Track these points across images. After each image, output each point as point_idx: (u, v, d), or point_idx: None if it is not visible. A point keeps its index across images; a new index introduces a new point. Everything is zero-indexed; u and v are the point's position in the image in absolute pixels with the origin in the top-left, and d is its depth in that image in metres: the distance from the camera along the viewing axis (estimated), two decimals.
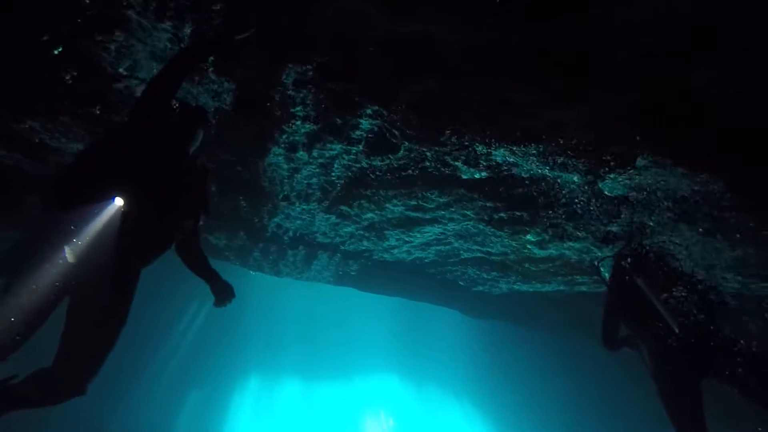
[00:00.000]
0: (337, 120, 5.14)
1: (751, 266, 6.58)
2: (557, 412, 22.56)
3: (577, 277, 9.30)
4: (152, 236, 3.37)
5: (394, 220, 8.19)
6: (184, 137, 3.64)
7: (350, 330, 31.29)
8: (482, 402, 29.63)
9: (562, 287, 10.21)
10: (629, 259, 4.66)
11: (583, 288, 9.92)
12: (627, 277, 4.58)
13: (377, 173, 6.50)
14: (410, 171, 6.25)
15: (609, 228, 6.59)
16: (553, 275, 9.49)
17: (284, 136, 5.74)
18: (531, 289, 10.86)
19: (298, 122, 5.32)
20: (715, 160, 4.38)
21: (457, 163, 5.80)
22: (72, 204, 2.98)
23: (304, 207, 8.12)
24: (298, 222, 9.01)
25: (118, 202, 3.03)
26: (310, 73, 4.29)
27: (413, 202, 7.28)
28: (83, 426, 17.22)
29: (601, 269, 5.49)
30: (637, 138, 4.35)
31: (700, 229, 5.66)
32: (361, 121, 5.10)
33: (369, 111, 4.90)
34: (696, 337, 3.85)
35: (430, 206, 7.29)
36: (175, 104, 3.69)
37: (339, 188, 7.15)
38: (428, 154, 5.65)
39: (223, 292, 3.92)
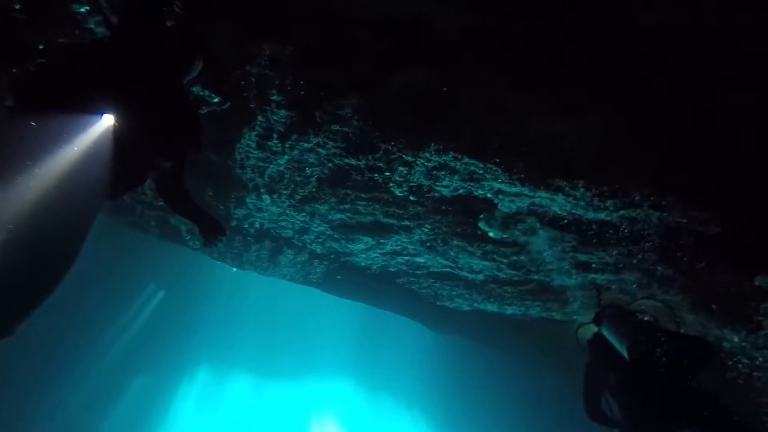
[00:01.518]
0: (316, 110, 4.79)
1: None
2: None
3: (547, 303, 9.15)
4: (128, 167, 2.87)
5: (366, 224, 7.90)
6: (183, 64, 3.19)
7: (309, 330, 30.79)
8: (434, 416, 29.46)
9: (529, 311, 10.07)
10: (606, 318, 4.37)
11: (556, 316, 9.78)
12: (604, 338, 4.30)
13: (353, 174, 6.20)
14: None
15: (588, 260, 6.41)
16: (518, 298, 9.33)
17: (258, 122, 5.37)
18: (495, 310, 10.70)
19: (274, 108, 4.96)
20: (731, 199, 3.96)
21: (440, 174, 5.54)
22: (44, 103, 2.48)
23: (274, 200, 7.75)
24: (266, 215, 8.62)
25: (108, 118, 2.56)
26: (289, 53, 3.94)
27: (389, 209, 7.00)
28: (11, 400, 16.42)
29: (579, 334, 5.16)
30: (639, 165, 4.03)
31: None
32: (342, 113, 4.75)
33: (351, 102, 4.57)
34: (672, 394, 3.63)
35: (405, 215, 7.02)
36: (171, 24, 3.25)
37: (311, 184, 6.81)
38: (408, 159, 5.37)
39: (211, 231, 3.48)
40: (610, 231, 5.30)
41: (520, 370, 17.99)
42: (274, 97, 4.79)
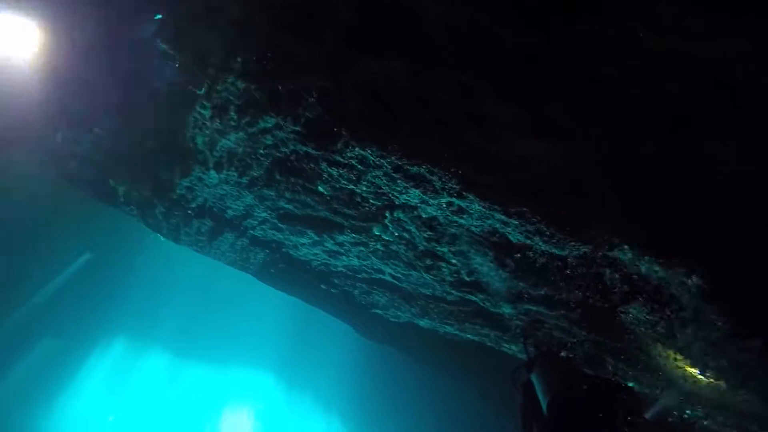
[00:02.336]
0: (278, 85, 4.48)
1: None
2: None
3: (484, 328, 9.09)
4: None
5: (313, 219, 7.62)
6: None
7: (238, 317, 29.92)
8: (350, 419, 29.27)
9: (465, 333, 10.03)
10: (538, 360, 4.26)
11: (488, 342, 9.77)
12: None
13: (308, 163, 5.92)
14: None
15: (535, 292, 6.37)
16: (455, 318, 9.28)
17: (217, 91, 5.02)
18: (430, 326, 10.63)
19: (236, 76, 4.63)
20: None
21: (397, 176, 5.35)
22: None
23: (222, 178, 7.35)
24: (211, 192, 8.18)
25: None
26: (257, 18, 3.63)
27: (340, 206, 6.76)
28: None
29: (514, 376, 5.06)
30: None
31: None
32: (305, 94, 4.45)
33: (316, 83, 4.28)
34: None
35: (357, 215, 6.79)
36: None
37: (263, 167, 6.49)
38: (368, 156, 5.13)
39: None
40: (559, 264, 5.26)
41: (445, 388, 18.08)
42: (238, 64, 4.46)
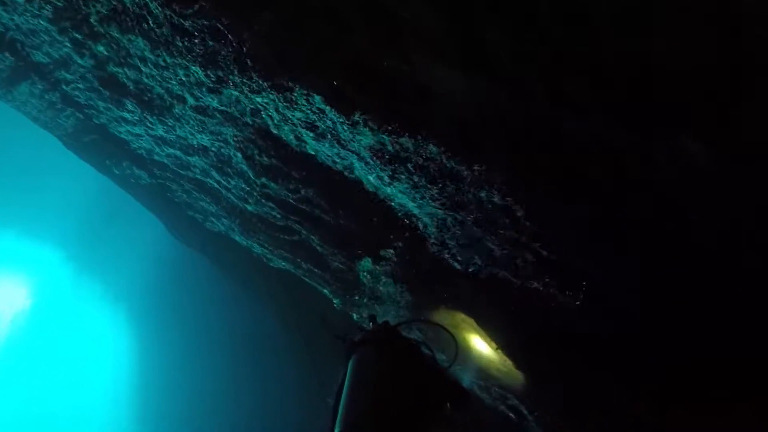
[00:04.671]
0: None
1: None
2: (209, 376, 22.65)
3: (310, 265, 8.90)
4: None
5: (142, 92, 6.61)
6: None
7: (29, 180, 25.86)
8: (139, 318, 27.87)
9: (282, 263, 9.84)
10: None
11: (303, 276, 9.63)
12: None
13: (152, 23, 4.97)
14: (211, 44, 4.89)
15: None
16: (279, 248, 9.03)
17: None
18: (247, 245, 10.28)
19: None
20: None
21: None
22: None
23: (32, 7, 5.91)
24: (15, 20, 6.57)
25: None
26: None
27: (181, 87, 5.89)
28: None
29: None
30: None
31: None
32: None
33: None
34: None
35: (202, 97, 5.94)
36: None
37: (93, 16, 5.32)
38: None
39: None
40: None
41: (247, 308, 17.98)
42: None
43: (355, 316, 8.99)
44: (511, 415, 7.28)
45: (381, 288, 6.97)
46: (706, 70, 1.76)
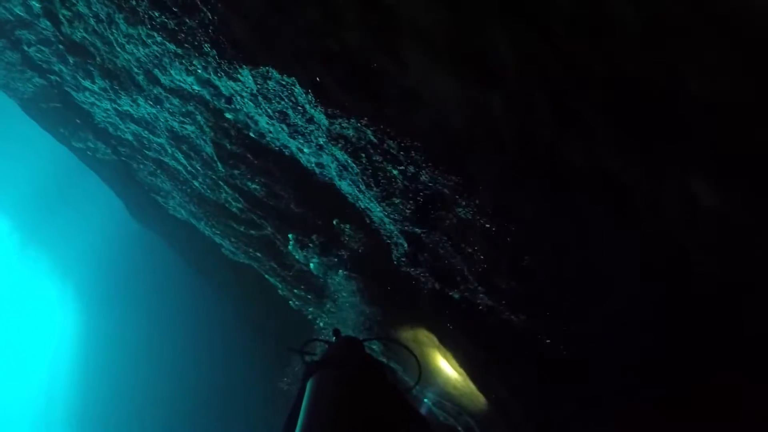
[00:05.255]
0: None
1: None
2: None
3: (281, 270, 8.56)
4: None
5: (114, 65, 6.20)
6: None
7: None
8: (88, 298, 26.77)
9: (242, 257, 9.48)
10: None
11: (282, 292, 9.26)
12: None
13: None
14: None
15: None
16: (245, 244, 8.67)
17: None
18: (209, 234, 9.87)
19: None
20: None
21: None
22: None
23: None
24: None
25: None
26: None
27: (151, 60, 5.52)
28: None
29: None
30: None
31: None
32: None
33: None
34: None
35: (175, 76, 5.61)
36: None
37: None
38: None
39: None
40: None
41: (202, 296, 17.42)
42: None
43: (319, 322, 8.75)
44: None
45: (344, 294, 6.76)
46: (740, 108, 1.61)
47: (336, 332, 3.28)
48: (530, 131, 2.29)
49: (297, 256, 6.95)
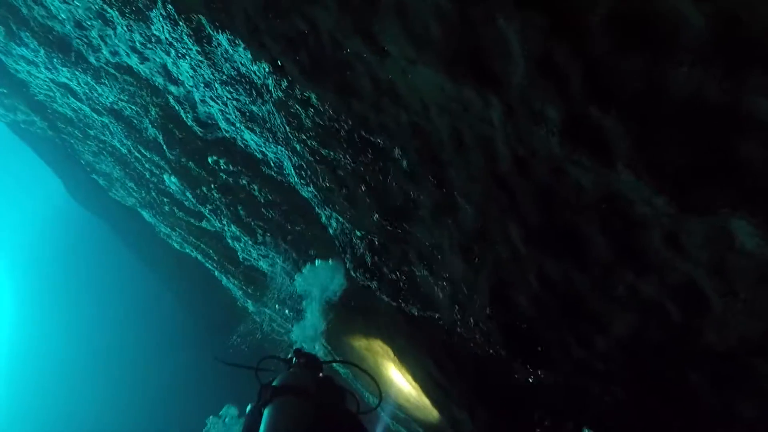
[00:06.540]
0: None
1: None
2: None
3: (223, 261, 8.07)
4: None
5: (51, 32, 5.56)
6: None
7: None
8: (22, 282, 25.15)
9: (187, 249, 8.93)
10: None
11: (227, 281, 8.74)
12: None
13: None
14: None
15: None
16: (193, 236, 8.13)
17: None
18: (154, 223, 9.27)
19: None
20: None
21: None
22: None
23: None
24: None
25: None
26: None
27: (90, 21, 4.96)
28: None
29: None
30: None
31: None
32: None
33: None
34: None
35: (120, 51, 5.06)
36: None
37: None
38: None
39: None
40: None
41: (143, 284, 16.66)
42: None
43: (272, 324, 8.36)
44: None
45: (296, 298, 6.40)
46: None
47: (297, 352, 3.10)
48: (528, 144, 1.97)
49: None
